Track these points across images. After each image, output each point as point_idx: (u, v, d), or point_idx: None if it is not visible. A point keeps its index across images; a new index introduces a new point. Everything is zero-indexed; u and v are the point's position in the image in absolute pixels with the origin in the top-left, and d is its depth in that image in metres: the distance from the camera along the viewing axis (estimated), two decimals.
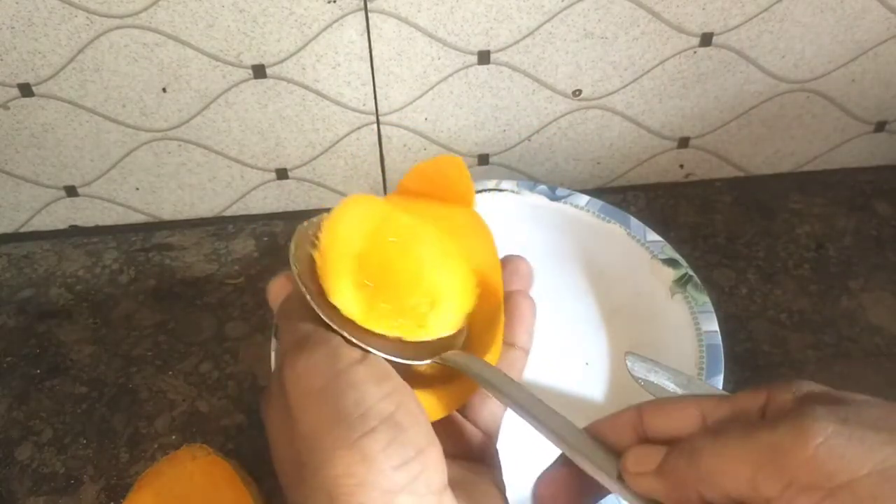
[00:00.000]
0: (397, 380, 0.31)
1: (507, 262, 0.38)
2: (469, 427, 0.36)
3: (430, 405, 0.33)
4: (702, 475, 0.27)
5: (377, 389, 0.30)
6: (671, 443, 0.29)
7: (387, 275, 0.35)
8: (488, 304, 0.36)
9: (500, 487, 0.35)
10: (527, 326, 0.37)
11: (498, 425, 0.37)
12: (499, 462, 0.36)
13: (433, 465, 0.30)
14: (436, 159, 0.40)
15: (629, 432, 0.31)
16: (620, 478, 0.30)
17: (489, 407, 0.37)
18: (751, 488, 0.26)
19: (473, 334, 0.35)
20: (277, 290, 0.35)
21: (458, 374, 0.34)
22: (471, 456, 0.35)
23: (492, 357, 0.34)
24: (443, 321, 0.34)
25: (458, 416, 0.36)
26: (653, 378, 0.47)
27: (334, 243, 0.35)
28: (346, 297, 0.34)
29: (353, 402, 0.29)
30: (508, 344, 0.36)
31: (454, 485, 0.31)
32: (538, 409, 0.32)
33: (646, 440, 0.30)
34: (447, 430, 0.35)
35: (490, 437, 0.36)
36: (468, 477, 0.33)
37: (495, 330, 0.35)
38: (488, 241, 0.38)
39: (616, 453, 0.30)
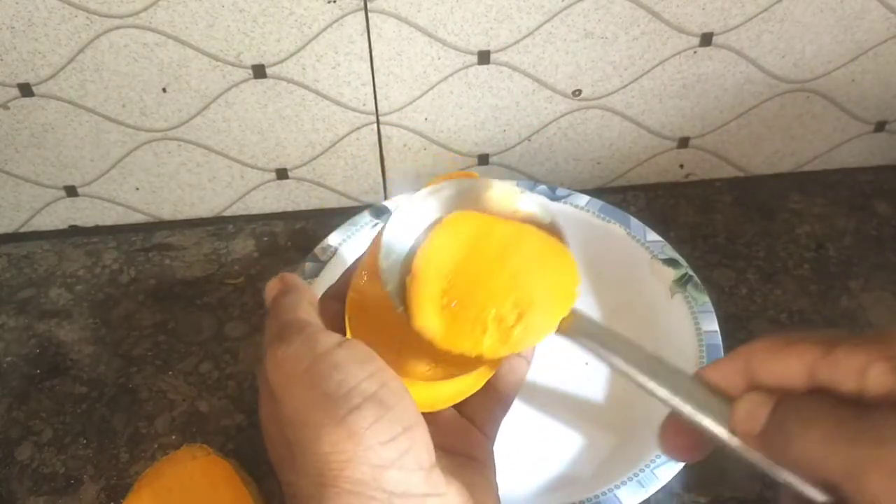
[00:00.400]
0: (379, 362, 0.32)
1: None
2: (467, 425, 0.37)
3: (427, 397, 0.34)
4: (795, 460, 0.27)
5: (360, 370, 0.31)
6: (783, 391, 0.28)
7: (475, 291, 0.36)
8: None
9: (493, 485, 0.35)
10: None
11: (496, 426, 0.38)
12: (493, 463, 0.36)
13: (420, 441, 0.30)
14: (451, 175, 0.40)
15: (739, 379, 0.30)
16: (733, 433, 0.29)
17: (489, 408, 0.37)
18: (836, 488, 0.26)
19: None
20: (271, 289, 0.36)
21: (460, 372, 0.34)
22: (466, 451, 0.36)
23: (486, 375, 0.35)
24: (530, 333, 0.35)
25: (457, 414, 0.37)
26: None
27: (425, 267, 0.36)
28: (430, 321, 0.35)
29: (336, 383, 0.30)
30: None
31: (446, 472, 0.32)
32: (655, 366, 0.33)
33: (756, 387, 0.30)
34: (445, 424, 0.36)
35: (487, 437, 0.37)
36: (461, 470, 0.34)
37: None
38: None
39: (730, 401, 0.30)
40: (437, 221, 0.37)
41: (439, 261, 0.37)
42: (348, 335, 0.35)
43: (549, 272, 0.36)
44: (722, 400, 0.30)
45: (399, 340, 0.36)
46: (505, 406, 0.38)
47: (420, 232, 0.37)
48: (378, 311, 0.36)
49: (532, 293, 0.35)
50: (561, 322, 0.35)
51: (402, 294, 0.36)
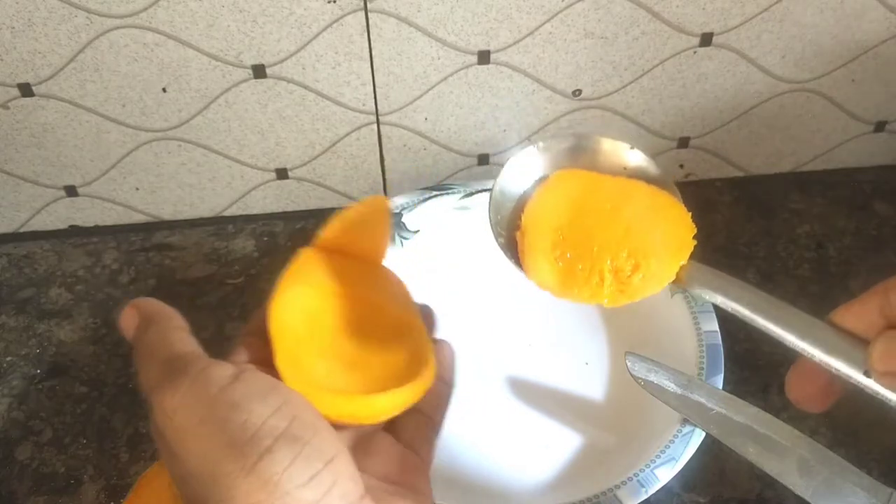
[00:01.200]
0: (286, 391, 0.29)
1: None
2: (403, 450, 0.34)
3: (366, 409, 0.33)
4: None
5: (263, 406, 0.28)
6: None
7: (589, 243, 0.36)
8: (416, 341, 0.37)
9: None
10: (449, 364, 0.38)
11: (432, 450, 0.36)
12: (430, 491, 0.34)
13: (345, 473, 0.28)
14: (360, 203, 0.39)
15: (877, 316, 0.29)
16: (868, 374, 0.29)
17: (423, 431, 0.35)
18: None
19: (408, 366, 0.35)
20: (127, 321, 0.32)
21: (395, 384, 0.34)
22: (405, 480, 0.33)
23: (422, 386, 0.34)
24: (649, 281, 0.36)
25: (393, 439, 0.35)
26: (653, 378, 0.47)
27: (535, 221, 0.37)
28: (544, 273, 0.36)
29: (239, 426, 0.27)
30: (438, 379, 0.36)
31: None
32: (782, 312, 0.32)
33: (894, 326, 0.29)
34: (385, 451, 0.34)
35: (423, 461, 0.35)
36: (396, 500, 0.31)
37: (425, 358, 0.35)
38: (402, 287, 0.39)
39: (863, 343, 0.29)
40: (544, 179, 0.38)
41: (549, 215, 0.37)
42: (276, 360, 0.32)
43: (662, 223, 0.37)
44: (855, 342, 0.29)
45: (334, 355, 0.35)
46: (436, 428, 0.36)
47: (526, 188, 0.38)
48: (310, 328, 0.35)
49: (647, 243, 0.36)
50: (678, 272, 0.35)
51: (512, 248, 0.37)
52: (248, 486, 0.26)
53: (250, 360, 0.33)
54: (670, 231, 0.37)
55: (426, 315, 0.39)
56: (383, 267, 0.40)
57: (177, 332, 0.32)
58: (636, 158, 0.39)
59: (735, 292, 0.34)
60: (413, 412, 0.35)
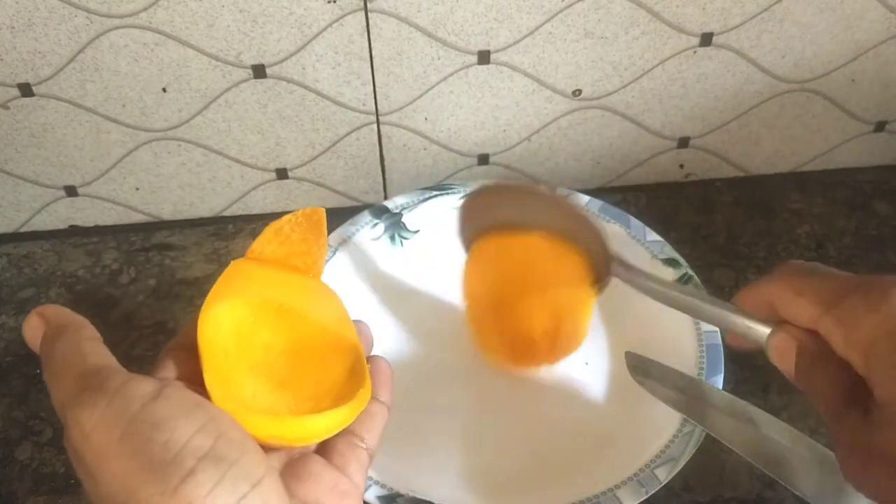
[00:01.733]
0: (211, 409, 0.28)
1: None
2: (333, 472, 0.33)
3: (301, 431, 0.32)
4: (810, 388, 0.33)
5: (187, 423, 0.27)
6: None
7: (519, 316, 0.41)
8: (350, 357, 0.36)
9: None
10: (386, 384, 0.37)
11: (365, 473, 0.35)
12: None
13: (273, 495, 0.27)
14: (295, 214, 0.39)
15: (768, 309, 0.35)
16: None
17: (357, 454, 0.34)
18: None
19: (342, 385, 0.35)
20: (32, 332, 0.30)
21: (329, 404, 0.33)
22: None
23: (357, 407, 0.34)
24: (572, 338, 0.41)
25: (322, 460, 0.33)
26: (653, 378, 0.47)
27: (472, 304, 0.42)
28: (492, 352, 0.42)
29: (161, 445, 0.26)
30: (372, 399, 0.36)
31: None
32: (696, 297, 0.39)
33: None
34: (317, 475, 0.32)
35: (356, 488, 0.34)
36: None
37: (362, 378, 0.35)
38: (338, 303, 0.39)
39: (762, 319, 0.35)
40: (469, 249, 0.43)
41: (479, 293, 0.41)
42: (205, 377, 0.31)
43: (564, 274, 0.40)
44: (756, 319, 0.36)
45: (266, 373, 0.34)
46: (371, 453, 0.36)
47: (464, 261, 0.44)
48: (241, 344, 0.35)
49: (561, 301, 0.39)
50: (598, 290, 0.40)
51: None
52: None
53: (178, 377, 0.32)
54: (571, 278, 0.41)
55: (362, 332, 0.38)
56: (319, 281, 0.39)
57: (90, 343, 0.30)
58: (556, 192, 0.44)
59: (666, 285, 0.41)
60: (346, 434, 0.34)
